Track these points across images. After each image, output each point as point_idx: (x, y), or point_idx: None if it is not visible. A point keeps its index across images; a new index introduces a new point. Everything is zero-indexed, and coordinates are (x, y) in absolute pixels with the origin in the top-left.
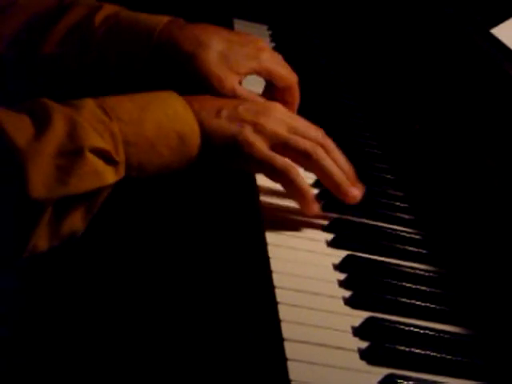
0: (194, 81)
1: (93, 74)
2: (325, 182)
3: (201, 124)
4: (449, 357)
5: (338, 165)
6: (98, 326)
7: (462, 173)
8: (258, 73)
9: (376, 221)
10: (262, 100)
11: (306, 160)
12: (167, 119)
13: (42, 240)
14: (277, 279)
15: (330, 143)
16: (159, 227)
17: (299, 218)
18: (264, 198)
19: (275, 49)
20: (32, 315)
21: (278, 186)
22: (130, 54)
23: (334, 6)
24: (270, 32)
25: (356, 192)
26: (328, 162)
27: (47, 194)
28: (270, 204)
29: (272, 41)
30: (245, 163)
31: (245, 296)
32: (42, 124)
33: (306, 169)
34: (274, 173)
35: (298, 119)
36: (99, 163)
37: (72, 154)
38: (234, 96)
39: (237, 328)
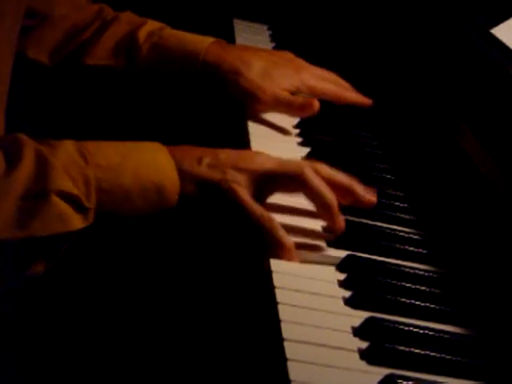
0: (238, 95)
1: (136, 86)
2: (315, 203)
3: (182, 173)
4: (449, 357)
5: (332, 182)
6: (99, 328)
7: (461, 173)
8: (300, 90)
9: (376, 221)
10: (300, 100)
11: (295, 182)
12: (146, 170)
13: (3, 282)
14: (277, 279)
15: (320, 165)
16: (158, 230)
17: (299, 218)
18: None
19: (275, 49)
20: (32, 315)
21: None
22: (178, 71)
23: (334, 5)
24: (269, 32)
25: (342, 223)
26: (316, 183)
27: (7, 235)
28: (271, 206)
29: (272, 41)
30: (226, 210)
31: (245, 296)
32: (12, 161)
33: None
34: (252, 220)
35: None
36: (66, 208)
37: (37, 195)
38: (276, 100)
39: (237, 328)
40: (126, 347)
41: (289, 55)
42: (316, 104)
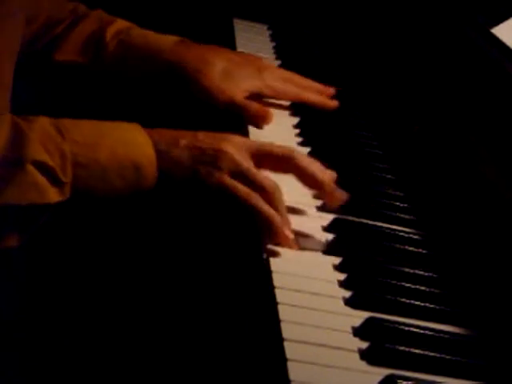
0: (199, 94)
1: (101, 82)
2: (307, 183)
3: (160, 154)
4: (448, 357)
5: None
6: (98, 327)
7: (461, 173)
8: (261, 91)
9: (376, 221)
10: (255, 107)
11: (284, 162)
12: (124, 148)
13: None
14: (277, 279)
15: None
16: (158, 230)
17: (299, 218)
18: None
19: (275, 48)
20: (32, 316)
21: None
22: (142, 69)
23: (334, 5)
24: (269, 32)
25: (340, 193)
26: (308, 161)
27: None
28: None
29: (272, 41)
30: (206, 191)
31: (245, 296)
32: None
33: (285, 171)
34: (236, 200)
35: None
36: (41, 179)
37: (13, 163)
38: (231, 103)
39: (237, 328)
40: (125, 347)
41: (253, 57)
42: (270, 115)
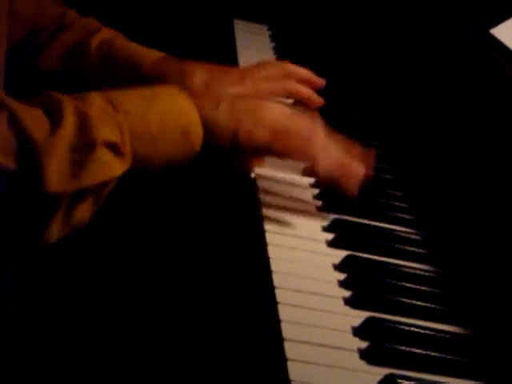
0: None
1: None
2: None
3: (203, 118)
4: (449, 357)
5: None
6: (98, 326)
7: (461, 173)
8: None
9: (376, 221)
10: None
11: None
12: (171, 115)
13: (54, 231)
14: (277, 279)
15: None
16: (159, 229)
17: (299, 218)
18: (264, 198)
19: (275, 49)
20: (32, 316)
21: (278, 185)
22: (121, 81)
23: (333, 6)
24: (269, 32)
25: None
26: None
27: (62, 188)
28: (270, 204)
29: (272, 41)
30: (248, 152)
31: (245, 296)
32: (55, 119)
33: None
34: (276, 153)
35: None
36: (109, 155)
37: (84, 148)
38: None
39: (237, 328)
40: (125, 347)
41: (237, 68)
42: None
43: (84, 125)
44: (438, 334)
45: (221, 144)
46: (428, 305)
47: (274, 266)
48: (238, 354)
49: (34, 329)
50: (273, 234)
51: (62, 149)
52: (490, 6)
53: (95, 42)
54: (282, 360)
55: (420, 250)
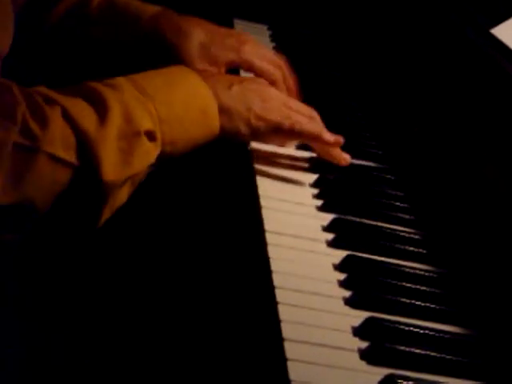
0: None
1: (88, 49)
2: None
3: (217, 97)
4: (449, 357)
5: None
6: (99, 326)
7: (461, 173)
8: (239, 65)
9: (376, 221)
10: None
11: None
12: (190, 96)
13: (104, 216)
14: (277, 279)
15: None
16: (159, 228)
17: (299, 218)
18: (264, 199)
19: (275, 49)
20: (32, 317)
21: (278, 185)
22: (120, 37)
23: (334, 5)
24: (269, 32)
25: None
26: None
27: (117, 177)
28: (271, 204)
29: (272, 41)
30: (258, 130)
31: (245, 296)
32: (101, 110)
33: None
34: (286, 132)
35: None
36: (148, 143)
37: (131, 136)
38: None
39: (237, 328)
40: (126, 347)
41: (235, 31)
42: None
43: (128, 114)
44: (438, 334)
45: (235, 124)
46: (428, 305)
47: (274, 265)
48: (238, 354)
49: (33, 329)
50: (273, 234)
51: (112, 138)
52: (490, 6)
53: (96, 0)
54: (282, 360)
55: (420, 250)
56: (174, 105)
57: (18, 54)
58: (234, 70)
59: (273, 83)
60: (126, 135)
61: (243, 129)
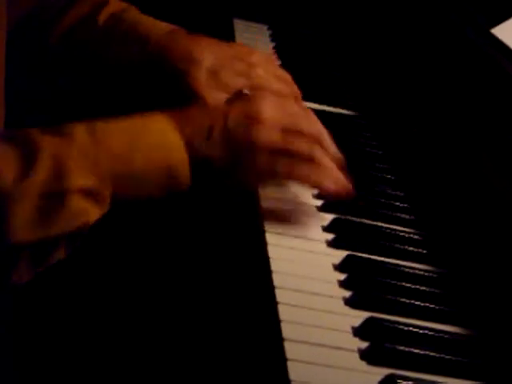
0: (182, 95)
1: (93, 68)
2: (320, 177)
3: (192, 150)
4: (449, 357)
5: (331, 157)
6: (98, 329)
7: (461, 173)
8: (249, 89)
9: (376, 221)
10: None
11: (306, 163)
12: (158, 153)
13: (23, 274)
14: (277, 279)
15: (321, 133)
16: (160, 228)
17: (299, 218)
18: (264, 198)
19: (275, 49)
20: (31, 317)
21: (277, 186)
22: (126, 55)
23: (334, 5)
24: (269, 32)
25: (350, 187)
26: (326, 161)
27: (26, 237)
28: (270, 204)
29: (272, 41)
30: (245, 178)
31: (245, 296)
32: (28, 162)
33: (305, 172)
34: (279, 177)
35: (288, 110)
36: (84, 202)
37: (56, 195)
38: None
39: (237, 328)
40: (126, 348)
41: (245, 49)
42: None
43: (59, 170)
44: (438, 334)
45: (215, 173)
46: (428, 305)
47: (274, 266)
48: (238, 354)
49: (32, 331)
50: (273, 234)
51: (31, 195)
52: (490, 6)
53: (104, 15)
54: (282, 360)
55: (420, 250)
56: (134, 160)
57: (19, 66)
58: None
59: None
60: (50, 193)
61: (227, 180)
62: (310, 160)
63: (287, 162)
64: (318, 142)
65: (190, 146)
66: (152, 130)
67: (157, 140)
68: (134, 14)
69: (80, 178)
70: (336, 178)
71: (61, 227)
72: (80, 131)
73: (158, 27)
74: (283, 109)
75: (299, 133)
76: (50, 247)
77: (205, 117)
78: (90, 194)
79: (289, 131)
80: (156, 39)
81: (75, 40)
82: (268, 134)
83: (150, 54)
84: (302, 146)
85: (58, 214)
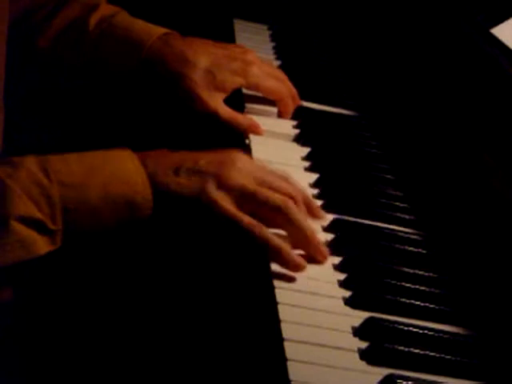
0: (179, 98)
1: (85, 73)
2: (294, 237)
3: (156, 186)
4: (448, 357)
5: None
6: (98, 330)
7: (462, 173)
8: (246, 88)
9: (376, 221)
10: (244, 121)
11: (277, 214)
12: (116, 184)
13: None
14: (277, 279)
15: (298, 194)
16: (160, 230)
17: None
18: None
19: (275, 49)
20: (31, 318)
21: None
22: (120, 61)
23: (334, 5)
24: (269, 32)
25: (323, 255)
26: (300, 217)
27: None
28: None
29: (272, 41)
30: (208, 222)
31: (245, 296)
32: None
33: (275, 225)
34: (241, 230)
35: (263, 169)
36: (29, 233)
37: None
38: (216, 118)
39: (237, 328)
40: (126, 348)
41: (239, 49)
42: (259, 130)
43: (0, 196)
44: (438, 334)
45: (180, 210)
46: (428, 305)
47: (274, 266)
48: (238, 354)
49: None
50: (273, 235)
51: None
52: (490, 6)
53: (95, 18)
54: (282, 360)
55: (420, 250)
56: (90, 192)
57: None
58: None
59: (280, 100)
60: None
61: (192, 216)
62: (278, 211)
63: (255, 209)
64: (293, 199)
65: (152, 179)
66: (111, 161)
67: (116, 170)
68: (125, 17)
69: (24, 206)
70: (310, 238)
71: (2, 257)
72: (31, 161)
73: (151, 31)
74: (258, 166)
75: (272, 188)
76: None
77: (173, 156)
78: (35, 223)
79: (263, 181)
80: (150, 43)
81: (66, 43)
82: (239, 177)
83: (144, 58)
84: (275, 197)
85: (2, 240)
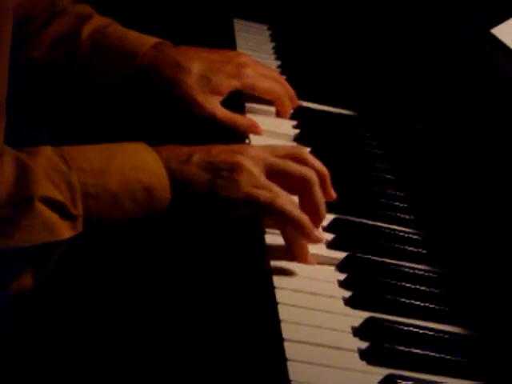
0: (176, 104)
1: (79, 83)
2: (308, 209)
3: (171, 174)
4: (448, 357)
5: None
6: (98, 330)
7: (462, 173)
8: (242, 89)
9: (376, 221)
10: (243, 121)
11: (302, 184)
12: (134, 171)
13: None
14: (277, 279)
15: (317, 165)
16: (159, 230)
17: None
18: None
19: (275, 49)
20: (31, 319)
21: None
22: (114, 71)
23: (334, 5)
24: (269, 32)
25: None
26: (319, 192)
27: None
28: None
29: (272, 41)
30: (226, 207)
31: (245, 296)
32: None
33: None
34: (260, 209)
35: (278, 151)
36: (51, 215)
37: (20, 203)
38: (214, 121)
39: (237, 328)
40: (126, 348)
41: (232, 53)
42: (259, 129)
43: (23, 178)
44: (438, 334)
45: (195, 197)
46: (428, 305)
47: (274, 266)
48: (238, 354)
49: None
50: (273, 235)
51: None
52: (490, 6)
53: (87, 30)
54: (282, 360)
55: (420, 250)
56: (108, 178)
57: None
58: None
59: (277, 99)
60: (13, 202)
61: (207, 203)
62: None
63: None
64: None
65: (167, 166)
66: (127, 150)
67: (133, 158)
68: (118, 28)
69: (46, 188)
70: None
71: (25, 238)
72: (48, 149)
73: (144, 40)
74: (269, 154)
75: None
76: (16, 266)
77: (185, 147)
78: (58, 207)
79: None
80: (143, 52)
81: (59, 53)
82: (250, 168)
83: (138, 67)
84: (297, 167)
85: (24, 221)
